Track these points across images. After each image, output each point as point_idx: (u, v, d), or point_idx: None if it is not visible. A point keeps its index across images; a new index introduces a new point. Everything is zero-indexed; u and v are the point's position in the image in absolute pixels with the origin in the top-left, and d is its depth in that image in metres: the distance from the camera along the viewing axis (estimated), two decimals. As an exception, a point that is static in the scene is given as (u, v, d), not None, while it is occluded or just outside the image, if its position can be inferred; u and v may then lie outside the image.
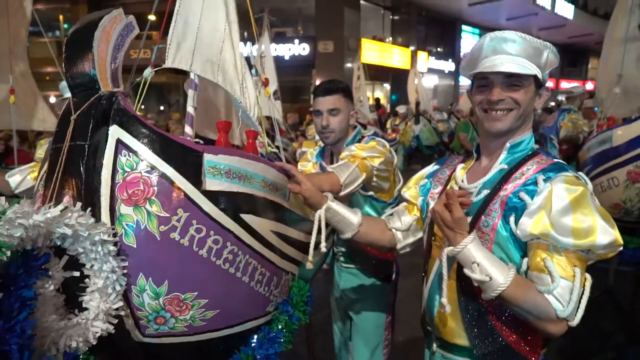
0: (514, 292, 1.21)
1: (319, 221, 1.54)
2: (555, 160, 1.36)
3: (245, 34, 1.75)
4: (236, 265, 1.26)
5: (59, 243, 0.98)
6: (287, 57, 16.39)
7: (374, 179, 2.05)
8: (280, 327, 1.48)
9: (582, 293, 1.23)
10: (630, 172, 2.78)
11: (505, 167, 1.39)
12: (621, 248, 1.24)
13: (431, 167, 1.71)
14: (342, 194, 1.84)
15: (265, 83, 1.74)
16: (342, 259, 2.33)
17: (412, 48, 19.09)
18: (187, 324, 1.21)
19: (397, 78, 17.65)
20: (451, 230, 1.27)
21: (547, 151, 1.46)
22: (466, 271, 1.25)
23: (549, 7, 19.30)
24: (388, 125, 10.29)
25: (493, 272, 1.21)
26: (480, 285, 1.25)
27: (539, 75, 1.33)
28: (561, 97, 20.16)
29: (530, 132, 1.43)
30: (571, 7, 21.12)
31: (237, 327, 1.34)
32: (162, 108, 17.70)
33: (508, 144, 1.40)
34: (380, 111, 11.97)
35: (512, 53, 1.32)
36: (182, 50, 1.42)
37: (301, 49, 16.57)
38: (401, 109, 10.60)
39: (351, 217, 1.58)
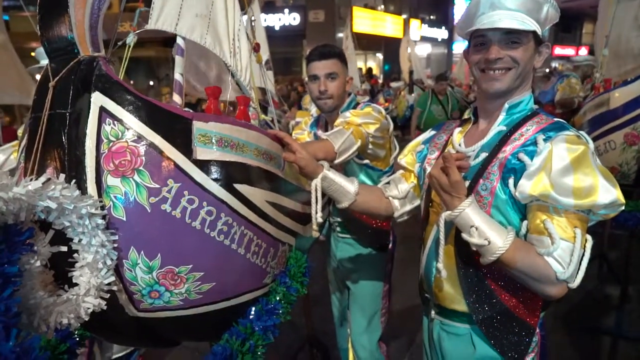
0: (513, 255, 1.19)
1: (316, 191, 1.50)
2: (556, 119, 1.32)
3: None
4: (231, 236, 1.23)
5: (43, 217, 0.94)
6: (277, 28, 16.09)
7: (370, 146, 2.01)
8: (278, 298, 1.46)
9: (583, 254, 1.21)
10: (627, 134, 2.76)
11: (503, 128, 1.36)
12: (623, 207, 1.21)
13: (428, 133, 1.67)
14: (337, 161, 1.80)
15: (257, 48, 1.67)
16: (338, 229, 2.31)
17: (404, 16, 18.79)
18: (182, 297, 1.19)
19: (390, 47, 17.39)
20: (448, 194, 1.25)
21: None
22: (464, 235, 1.23)
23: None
24: (381, 100, 10.14)
25: (492, 236, 1.19)
26: (479, 249, 1.23)
27: (539, 32, 1.27)
28: (555, 64, 20.01)
29: (529, 92, 1.39)
30: (566, -30, 20.71)
31: (234, 299, 1.32)
32: (151, 83, 17.40)
33: (506, 105, 1.36)
34: (373, 81, 11.85)
35: (510, 8, 1.26)
36: (168, 8, 1.34)
37: (291, 18, 16.27)
38: (395, 84, 10.46)
39: (348, 186, 1.55)
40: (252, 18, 1.63)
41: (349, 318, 2.44)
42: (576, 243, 1.18)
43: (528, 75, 1.35)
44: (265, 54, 4.44)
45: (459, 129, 1.52)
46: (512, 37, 1.27)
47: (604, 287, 3.95)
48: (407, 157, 1.66)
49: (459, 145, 1.45)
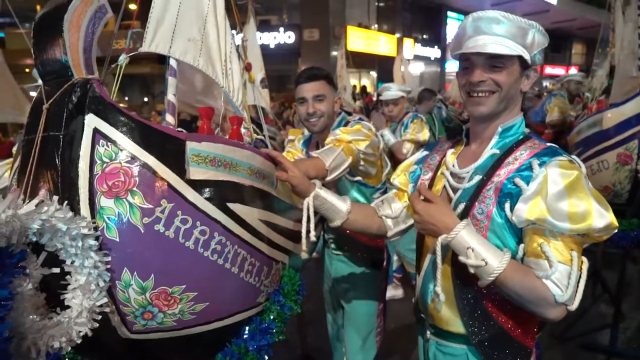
0: (510, 276, 1.19)
1: (308, 209, 1.51)
2: (549, 144, 1.33)
3: (229, 22, 1.69)
4: (225, 256, 1.23)
5: (35, 239, 0.93)
6: (272, 46, 16.24)
7: (361, 162, 2.02)
8: (272, 317, 1.45)
9: (580, 276, 1.21)
10: (620, 154, 2.78)
11: (497, 152, 1.37)
12: (616, 230, 1.22)
13: (420, 153, 1.68)
14: (328, 178, 1.81)
15: (249, 68, 1.69)
16: (332, 246, 2.30)
17: (397, 35, 19.01)
18: (175, 318, 1.18)
19: (384, 65, 17.54)
20: (440, 218, 1.25)
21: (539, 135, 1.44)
22: (461, 258, 1.23)
23: (534, -8, 19.35)
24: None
25: (488, 257, 1.20)
26: (476, 270, 1.23)
27: (525, 56, 1.29)
28: (546, 83, 20.28)
29: (520, 116, 1.41)
30: (556, -8, 21.21)
31: (227, 319, 1.31)
32: (145, 100, 17.44)
33: (500, 128, 1.37)
34: (367, 99, 11.93)
35: (495, 33, 1.28)
36: (161, 31, 1.36)
37: (286, 37, 16.42)
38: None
39: (340, 205, 1.55)
40: (245, 39, 1.65)
41: (344, 337, 2.42)
42: (573, 266, 1.19)
43: (514, 98, 1.37)
44: (260, 72, 4.48)
45: (452, 149, 1.53)
46: (495, 61, 1.29)
47: (598, 305, 3.95)
48: (400, 177, 1.67)
49: (453, 166, 1.46)
